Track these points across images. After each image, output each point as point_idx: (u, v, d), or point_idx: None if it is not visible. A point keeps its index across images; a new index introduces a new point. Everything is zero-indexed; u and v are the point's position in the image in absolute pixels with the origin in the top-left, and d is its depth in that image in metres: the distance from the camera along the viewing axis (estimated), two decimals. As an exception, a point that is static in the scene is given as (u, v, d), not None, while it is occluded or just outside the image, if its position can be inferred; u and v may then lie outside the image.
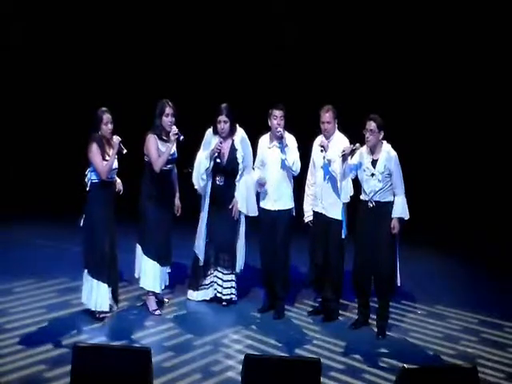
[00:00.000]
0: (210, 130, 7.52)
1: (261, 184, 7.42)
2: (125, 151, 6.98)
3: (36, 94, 12.30)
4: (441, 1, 11.53)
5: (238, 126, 7.53)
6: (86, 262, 7.09)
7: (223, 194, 7.49)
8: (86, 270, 7.09)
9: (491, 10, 11.23)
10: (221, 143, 7.36)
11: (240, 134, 7.52)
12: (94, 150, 6.93)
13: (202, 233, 7.55)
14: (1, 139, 11.98)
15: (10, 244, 9.23)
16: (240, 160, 7.45)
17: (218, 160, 7.41)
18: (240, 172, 7.47)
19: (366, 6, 11.76)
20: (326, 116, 7.22)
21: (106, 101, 7.49)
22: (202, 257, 7.54)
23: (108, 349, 4.85)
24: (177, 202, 7.53)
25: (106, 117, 6.99)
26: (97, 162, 6.92)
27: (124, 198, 7.25)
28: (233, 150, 7.46)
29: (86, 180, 7.07)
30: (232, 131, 7.45)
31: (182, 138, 7.15)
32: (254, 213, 7.53)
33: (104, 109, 7.03)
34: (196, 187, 7.53)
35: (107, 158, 6.94)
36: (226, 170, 7.46)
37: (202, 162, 7.42)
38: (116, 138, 6.99)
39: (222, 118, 7.38)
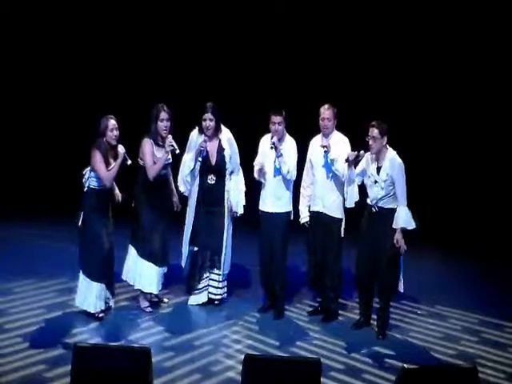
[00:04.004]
0: (194, 132, 7.54)
1: (259, 171, 7.37)
2: (129, 162, 6.96)
3: (36, 95, 12.32)
4: (441, 1, 11.53)
5: (223, 126, 7.53)
6: (82, 263, 7.10)
7: (214, 193, 7.50)
8: (81, 272, 7.11)
9: (491, 10, 11.22)
10: (205, 142, 7.37)
11: (226, 133, 7.55)
12: (97, 157, 6.90)
13: (188, 236, 7.56)
14: (1, 139, 11.99)
15: (10, 244, 9.24)
16: (227, 158, 7.47)
17: (200, 159, 7.40)
18: (228, 172, 7.49)
19: (367, 9, 11.74)
20: (327, 113, 7.22)
21: (104, 101, 7.49)
22: (184, 262, 7.58)
23: (108, 349, 4.84)
24: (174, 198, 7.54)
25: (112, 123, 6.97)
26: (100, 169, 6.90)
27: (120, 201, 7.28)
28: (220, 148, 7.48)
29: (84, 180, 7.06)
30: (217, 130, 7.46)
31: (177, 151, 7.18)
32: (241, 210, 7.55)
33: (110, 116, 7.01)
34: (181, 189, 7.54)
35: (111, 164, 6.92)
36: (216, 169, 7.48)
37: (186, 163, 7.43)
38: (121, 148, 6.99)
39: (208, 115, 7.38)
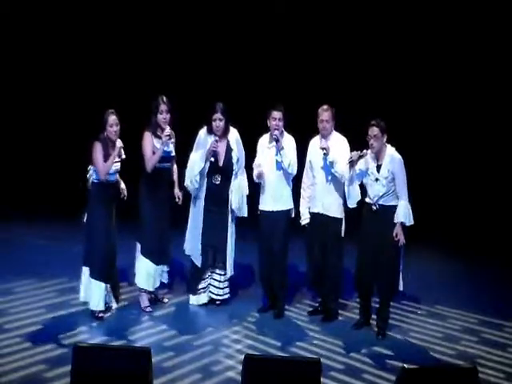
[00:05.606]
0: (202, 131, 7.49)
1: (259, 175, 7.36)
2: (123, 156, 7.04)
3: (36, 95, 12.31)
4: (441, 1, 11.53)
5: (230, 126, 7.50)
6: (86, 260, 7.11)
7: (219, 194, 7.46)
8: (84, 268, 7.11)
9: (491, 10, 11.23)
10: (216, 141, 7.34)
11: (234, 134, 7.52)
12: (97, 149, 6.96)
13: (199, 235, 7.51)
14: (1, 138, 11.99)
15: (10, 244, 9.24)
16: (235, 160, 7.44)
17: (213, 159, 7.37)
18: (234, 172, 7.47)
19: (366, 9, 11.75)
20: (325, 115, 7.21)
21: (104, 100, 7.48)
22: (199, 262, 7.52)
23: (108, 349, 4.85)
24: (176, 191, 7.51)
25: (112, 119, 7.00)
26: (98, 160, 6.95)
27: (126, 197, 7.27)
28: (229, 149, 7.45)
29: (88, 176, 7.08)
30: (226, 130, 7.43)
31: (172, 141, 7.22)
32: (245, 214, 7.52)
33: (111, 111, 7.04)
34: (188, 188, 7.48)
35: (109, 159, 6.96)
36: (223, 170, 7.45)
37: (196, 162, 7.39)
38: (118, 142, 7.03)
39: (218, 115, 7.35)
